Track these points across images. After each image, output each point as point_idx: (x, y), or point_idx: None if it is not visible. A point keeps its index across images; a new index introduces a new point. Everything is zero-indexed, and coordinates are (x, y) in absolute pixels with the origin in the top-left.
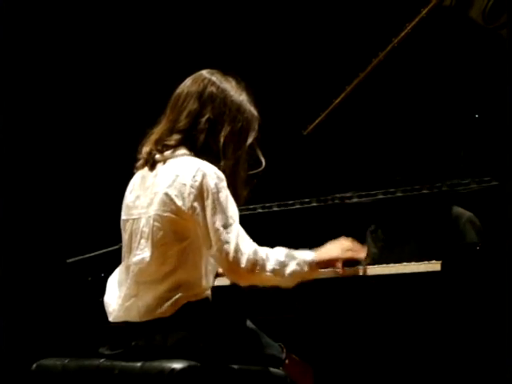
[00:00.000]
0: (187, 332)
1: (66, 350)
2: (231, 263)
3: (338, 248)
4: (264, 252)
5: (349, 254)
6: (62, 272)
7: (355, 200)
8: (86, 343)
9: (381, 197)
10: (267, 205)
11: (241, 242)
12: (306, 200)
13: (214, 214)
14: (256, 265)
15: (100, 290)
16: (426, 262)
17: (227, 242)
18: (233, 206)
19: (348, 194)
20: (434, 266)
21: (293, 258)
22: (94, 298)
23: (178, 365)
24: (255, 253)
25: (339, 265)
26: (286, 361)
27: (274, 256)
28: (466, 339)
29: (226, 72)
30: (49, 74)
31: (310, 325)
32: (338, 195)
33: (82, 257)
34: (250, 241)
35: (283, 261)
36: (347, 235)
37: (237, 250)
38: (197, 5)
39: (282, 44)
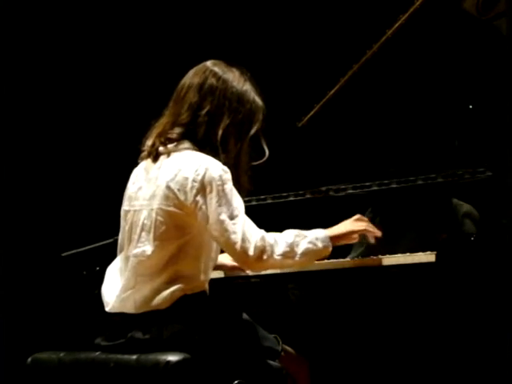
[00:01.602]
0: (183, 325)
1: (62, 344)
2: (240, 253)
3: (351, 221)
4: (272, 237)
5: (363, 227)
6: (57, 266)
7: (350, 192)
8: (81, 337)
9: (375, 188)
10: (262, 197)
11: (247, 230)
12: (301, 192)
13: (219, 205)
14: (264, 251)
15: (95, 284)
16: (421, 253)
17: (234, 232)
18: (237, 197)
19: (343, 186)
20: (429, 257)
21: (303, 236)
22: (89, 292)
23: (173, 357)
24: (262, 239)
25: (355, 236)
26: (282, 353)
27: (282, 239)
28: (461, 330)
29: (230, 63)
30: (52, 67)
31: (303, 316)
32: (332, 187)
33: (76, 250)
34: (257, 228)
35: (293, 241)
36: None
37: (244, 239)
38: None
39: (275, 36)
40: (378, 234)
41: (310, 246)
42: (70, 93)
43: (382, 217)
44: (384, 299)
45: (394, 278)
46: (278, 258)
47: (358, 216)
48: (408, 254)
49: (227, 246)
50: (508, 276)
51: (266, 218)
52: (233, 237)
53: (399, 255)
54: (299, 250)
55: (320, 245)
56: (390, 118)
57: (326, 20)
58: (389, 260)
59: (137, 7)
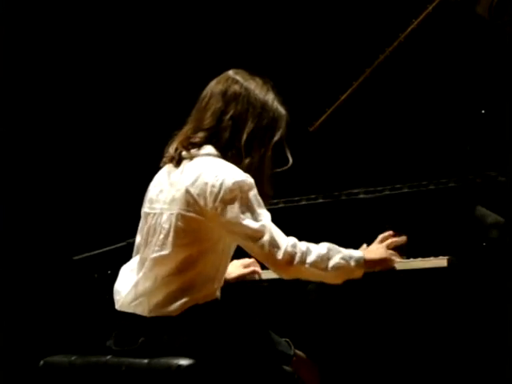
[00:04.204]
0: (195, 332)
1: (73, 347)
2: (267, 256)
3: (385, 248)
4: (304, 245)
5: (394, 255)
6: (69, 269)
7: (362, 196)
8: (92, 340)
9: (387, 193)
10: (274, 201)
11: (275, 234)
12: (312, 196)
13: (241, 212)
14: (294, 257)
15: (106, 287)
16: (433, 258)
17: (260, 237)
18: (262, 204)
19: (355, 190)
20: (441, 262)
21: (338, 251)
22: (101, 295)
23: (184, 361)
24: (294, 245)
25: (389, 265)
26: (294, 357)
27: (315, 249)
28: (472, 335)
29: (252, 72)
30: (78, 77)
31: (313, 321)
32: (344, 191)
33: (88, 254)
34: (284, 235)
35: (325, 253)
36: (354, 231)
37: (272, 243)
38: (211, 9)
39: (287, 40)
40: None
41: (343, 262)
42: (87, 98)
43: (394, 222)
44: (395, 304)
45: (405, 283)
46: (308, 266)
47: (379, 238)
48: (420, 258)
49: (254, 250)
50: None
51: (278, 222)
52: (259, 241)
53: (410, 260)
54: (331, 263)
55: (353, 264)
56: (402, 123)
57: (339, 24)
58: (400, 265)
59: (160, 22)
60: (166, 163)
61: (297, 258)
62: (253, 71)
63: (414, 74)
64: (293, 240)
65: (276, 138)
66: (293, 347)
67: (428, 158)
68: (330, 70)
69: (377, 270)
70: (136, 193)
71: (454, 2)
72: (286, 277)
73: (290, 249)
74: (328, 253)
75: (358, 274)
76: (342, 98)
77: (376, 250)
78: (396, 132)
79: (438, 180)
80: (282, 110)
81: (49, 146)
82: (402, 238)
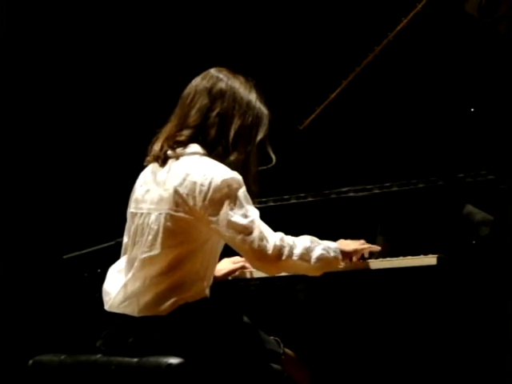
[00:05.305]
0: (185, 332)
1: (63, 346)
2: (257, 252)
3: (355, 242)
4: (290, 239)
5: (366, 247)
6: (59, 268)
7: (351, 194)
8: (82, 339)
9: (377, 191)
10: (263, 200)
11: (264, 230)
12: (302, 195)
13: (230, 209)
14: (283, 251)
15: (96, 286)
16: (422, 256)
17: (250, 233)
18: (250, 201)
19: (344, 189)
20: (430, 260)
21: (318, 243)
22: (91, 294)
23: (174, 360)
24: (282, 239)
25: (358, 257)
26: (283, 356)
27: (300, 242)
28: (461, 333)
29: (234, 70)
30: (64, 76)
31: (303, 320)
32: (334, 190)
33: (78, 253)
34: (272, 231)
35: (309, 246)
36: (344, 230)
37: (261, 238)
38: (194, 5)
39: (277, 38)
40: (378, 248)
41: (324, 252)
42: (74, 97)
43: (384, 219)
44: (384, 303)
45: (395, 281)
46: (296, 259)
47: (362, 241)
48: (409, 256)
49: (243, 246)
50: (509, 280)
51: (268, 220)
52: (249, 237)
53: (400, 258)
54: (314, 254)
55: (332, 254)
56: (392, 121)
57: (328, 22)
58: (390, 263)
59: (142, 20)
60: (150, 162)
61: (285, 252)
62: (244, 69)
63: (404, 73)
64: (280, 234)
65: (260, 135)
66: (282, 346)
67: (417, 157)
68: (320, 69)
69: (357, 269)
70: (125, 192)
71: (444, 0)
72: (273, 272)
73: (278, 243)
74: (311, 245)
75: (336, 264)
76: (332, 96)
77: (349, 243)
78: (385, 130)
79: (428, 178)
80: (264, 108)
81: (37, 145)
82: (376, 247)
